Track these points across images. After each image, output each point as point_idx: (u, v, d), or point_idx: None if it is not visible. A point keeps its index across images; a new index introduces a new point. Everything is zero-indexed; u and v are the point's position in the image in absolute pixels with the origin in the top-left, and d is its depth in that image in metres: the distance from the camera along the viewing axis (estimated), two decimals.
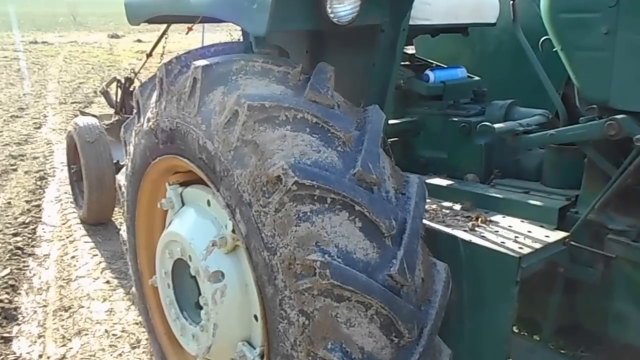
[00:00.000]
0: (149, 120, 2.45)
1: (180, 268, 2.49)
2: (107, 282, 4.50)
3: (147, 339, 3.71)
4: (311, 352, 1.82)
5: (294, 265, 1.81)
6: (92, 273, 4.65)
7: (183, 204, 2.52)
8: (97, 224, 5.61)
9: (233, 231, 2.13)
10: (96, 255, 5.00)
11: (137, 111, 2.63)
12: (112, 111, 6.79)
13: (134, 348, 3.63)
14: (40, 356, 3.56)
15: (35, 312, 4.07)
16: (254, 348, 2.22)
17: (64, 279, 4.54)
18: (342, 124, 1.93)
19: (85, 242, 5.28)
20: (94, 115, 6.77)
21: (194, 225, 2.34)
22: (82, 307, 4.12)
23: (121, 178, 3.00)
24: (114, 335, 3.76)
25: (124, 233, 3.05)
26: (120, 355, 3.55)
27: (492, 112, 2.64)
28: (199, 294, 2.37)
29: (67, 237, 5.40)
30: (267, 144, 1.89)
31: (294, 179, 1.79)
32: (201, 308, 2.39)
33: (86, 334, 3.77)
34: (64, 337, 3.74)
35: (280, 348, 1.92)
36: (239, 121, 1.93)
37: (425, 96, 2.96)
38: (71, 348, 3.61)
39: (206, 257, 2.23)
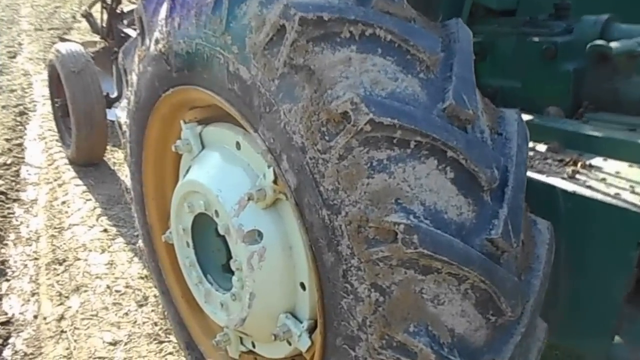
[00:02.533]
0: (157, 42, 2.01)
1: (202, 224, 2.12)
2: (105, 230, 4.14)
3: (155, 296, 3.39)
4: (386, 335, 1.48)
5: (366, 228, 1.45)
6: (86, 220, 4.29)
7: (203, 147, 2.12)
8: (88, 165, 5.20)
9: (275, 182, 1.75)
10: (90, 199, 4.62)
11: (140, 31, 2.18)
12: (96, 38, 6.24)
13: (140, 306, 3.32)
14: (35, 317, 3.25)
15: (25, 265, 3.73)
16: (300, 322, 1.89)
17: (55, 228, 4.18)
18: (425, 43, 1.50)
19: (76, 185, 4.89)
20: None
21: (220, 174, 1.95)
22: (79, 259, 3.77)
23: (121, 114, 2.57)
24: (117, 291, 3.44)
25: (127, 179, 2.66)
26: (126, 314, 3.24)
27: (583, 30, 2.21)
28: (229, 256, 2.01)
29: (55, 180, 4.99)
30: (326, 69, 1.48)
31: (368, 117, 1.39)
32: (231, 272, 2.04)
33: (85, 291, 3.44)
34: (60, 294, 3.41)
35: (342, 328, 1.58)
36: (287, 40, 1.51)
37: (494, 11, 2.52)
38: (69, 307, 3.29)
39: (239, 213, 1.86)
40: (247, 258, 1.84)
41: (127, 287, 3.49)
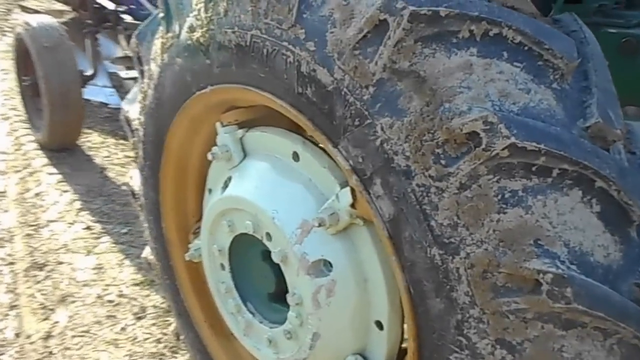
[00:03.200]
0: (192, 30, 1.70)
1: (242, 245, 1.84)
2: (88, 227, 3.80)
3: (154, 307, 3.11)
4: None
5: (494, 274, 1.21)
6: (65, 216, 3.93)
7: (244, 154, 1.83)
8: (61, 150, 4.80)
9: (353, 205, 1.49)
10: (67, 191, 4.25)
11: (164, 14, 1.85)
12: (62, 7, 5.75)
13: (139, 319, 3.03)
14: (17, 335, 2.92)
15: (0, 272, 3.37)
16: None
17: (30, 225, 3.81)
18: (561, 46, 1.25)
19: (50, 173, 4.50)
20: (36, 11, 5.74)
21: (275, 190, 1.67)
22: (61, 263, 3.44)
23: (130, 108, 2.25)
24: (109, 302, 3.14)
25: (134, 183, 2.35)
26: (123, 329, 2.95)
27: None
28: (279, 284, 1.76)
29: (25, 168, 4.59)
30: (440, 77, 1.22)
31: (508, 141, 1.14)
32: (281, 302, 1.79)
33: (73, 302, 3.12)
34: (44, 306, 3.08)
35: None
36: (389, 38, 1.24)
37: None
38: (57, 322, 2.98)
39: (302, 239, 1.59)
40: (313, 293, 1.59)
41: (120, 296, 3.18)
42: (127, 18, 5.10)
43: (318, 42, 1.36)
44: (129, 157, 4.94)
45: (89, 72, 4.91)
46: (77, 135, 4.82)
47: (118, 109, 5.93)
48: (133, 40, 2.09)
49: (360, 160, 1.36)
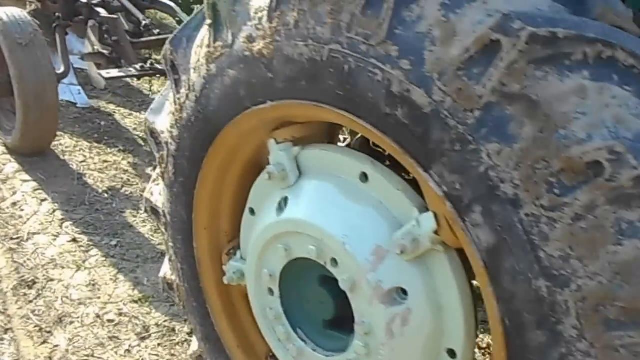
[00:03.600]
0: (251, 41, 1.65)
1: (295, 269, 1.79)
2: (74, 240, 3.67)
3: (157, 325, 3.03)
4: None
5: (607, 307, 1.21)
6: (48, 227, 3.78)
7: (300, 173, 1.78)
8: (32, 155, 4.61)
9: (435, 231, 1.47)
10: (45, 200, 4.09)
11: (212, 20, 1.79)
12: None
13: (143, 339, 2.94)
14: None
15: None
16: None
17: (11, 238, 3.65)
18: None
19: (24, 180, 4.32)
20: None
21: (342, 214, 1.63)
22: (51, 280, 3.31)
23: (155, 119, 2.17)
24: (109, 321, 3.03)
25: (156, 199, 2.27)
26: (128, 351, 2.85)
27: None
28: (337, 311, 1.73)
29: (3, 174, 4.38)
30: (554, 101, 1.21)
31: (635, 172, 1.14)
32: (338, 330, 1.76)
33: (71, 322, 3.01)
34: (40, 328, 2.96)
35: None
36: (502, 60, 1.22)
37: None
38: (56, 346, 2.86)
39: (377, 266, 1.56)
40: (386, 322, 1.56)
41: (120, 314, 3.08)
42: (102, 11, 4.96)
43: (414, 60, 1.33)
44: (107, 161, 4.81)
45: (61, 70, 4.75)
46: (51, 139, 4.65)
47: (87, 109, 5.88)
48: (167, 47, 2.01)
49: (458, 186, 1.34)
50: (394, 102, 1.39)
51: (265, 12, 1.62)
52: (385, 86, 1.39)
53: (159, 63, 4.73)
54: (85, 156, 4.80)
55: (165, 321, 3.04)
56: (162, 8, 5.54)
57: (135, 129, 5.48)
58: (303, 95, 1.59)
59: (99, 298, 3.19)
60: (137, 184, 4.52)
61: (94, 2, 4.95)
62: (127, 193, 4.36)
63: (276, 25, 1.59)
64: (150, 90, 5.92)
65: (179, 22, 5.38)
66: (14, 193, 4.17)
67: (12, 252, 3.52)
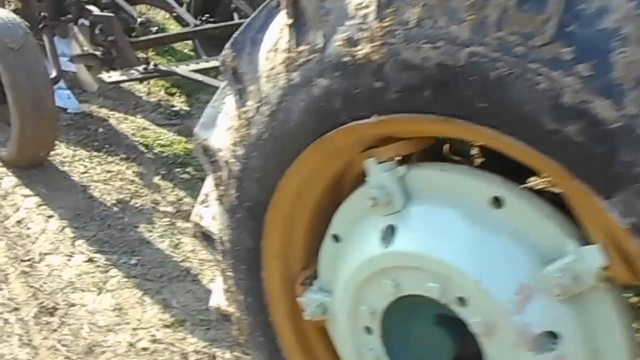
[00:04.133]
0: (353, 43, 1.34)
1: (401, 305, 1.51)
2: (90, 260, 3.32)
3: (196, 352, 2.72)
4: None
5: None
6: (59, 247, 3.42)
7: (407, 198, 1.48)
8: (29, 167, 4.21)
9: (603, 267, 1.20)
10: (52, 216, 3.71)
11: (292, 19, 1.47)
12: None
13: None
14: None
15: (6, 321, 2.85)
16: None
17: (23, 260, 3.28)
18: None
19: (25, 195, 3.93)
20: None
21: (474, 246, 1.35)
22: (73, 305, 2.96)
23: (207, 135, 1.85)
24: (144, 349, 2.71)
25: (209, 223, 1.95)
26: None
27: None
28: (457, 353, 1.45)
29: (2, 190, 3.98)
30: None
31: None
32: None
33: (103, 352, 2.68)
34: None
35: None
36: None
37: None
38: None
39: (522, 308, 1.28)
40: None
41: (154, 341, 2.76)
42: (94, 9, 4.54)
43: (597, 65, 1.05)
44: (110, 171, 4.43)
45: (53, 74, 4.35)
46: (49, 149, 4.24)
47: (79, 114, 5.46)
48: (227, 52, 1.69)
49: None
50: (564, 116, 1.11)
51: (372, 9, 1.31)
52: (551, 97, 1.11)
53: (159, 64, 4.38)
54: (86, 166, 4.41)
55: (204, 347, 2.73)
56: (155, 2, 5.15)
57: (133, 134, 5.08)
58: (426, 108, 1.29)
59: (127, 324, 2.86)
60: (146, 194, 4.16)
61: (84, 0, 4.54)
62: (137, 205, 4.00)
63: (389, 24, 1.29)
64: (149, 93, 5.52)
65: (176, 17, 5.00)
66: (17, 210, 3.78)
67: (25, 276, 3.15)
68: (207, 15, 4.91)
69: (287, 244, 1.78)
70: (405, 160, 1.49)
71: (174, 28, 6.44)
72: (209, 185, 2.00)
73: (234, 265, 1.92)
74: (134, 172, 4.48)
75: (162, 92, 5.65)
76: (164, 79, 5.26)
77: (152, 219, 3.90)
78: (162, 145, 4.93)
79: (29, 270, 3.20)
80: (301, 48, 1.48)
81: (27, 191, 3.99)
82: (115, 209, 3.95)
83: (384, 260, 1.47)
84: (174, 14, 4.80)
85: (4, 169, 4.25)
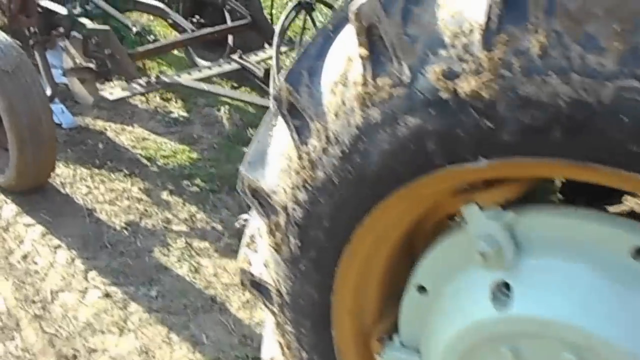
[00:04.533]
0: (451, 76, 1.12)
1: None
2: (106, 295, 3.08)
3: None
4: None
5: None
6: (71, 282, 3.18)
7: (519, 249, 1.27)
8: (31, 192, 3.95)
9: None
10: (59, 247, 3.47)
11: (369, 50, 1.25)
12: None
13: None
14: None
15: None
16: None
17: (33, 302, 3.04)
18: None
19: (28, 225, 3.68)
20: None
21: (619, 308, 1.14)
22: (94, 350, 2.74)
23: (254, 175, 1.62)
24: None
25: (260, 271, 1.73)
26: None
27: None
28: None
29: (3, 220, 3.72)
30: None
31: None
32: None
33: None
34: None
35: None
36: None
37: None
38: None
39: None
40: None
41: None
42: (87, 22, 4.26)
43: None
44: (114, 190, 4.19)
45: (48, 93, 4.09)
46: (50, 172, 4.00)
47: (75, 129, 5.17)
48: (282, 85, 1.46)
49: None
50: None
51: (476, 37, 1.09)
52: None
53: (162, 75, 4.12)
54: (89, 187, 4.16)
55: None
56: (149, 10, 4.88)
57: (134, 146, 4.82)
58: (554, 151, 1.08)
59: None
60: (156, 213, 3.92)
61: (76, 12, 4.25)
62: (148, 227, 3.76)
63: (502, 54, 1.07)
64: (145, 100, 5.25)
65: (172, 24, 4.74)
66: (21, 242, 3.52)
67: (39, 320, 2.91)
68: (197, 16, 4.69)
69: (360, 296, 1.57)
70: (507, 203, 1.29)
71: (160, 31, 6.21)
72: (255, 227, 1.78)
73: (296, 320, 1.70)
74: (139, 189, 4.24)
75: (158, 99, 5.39)
76: None
77: (166, 241, 3.67)
78: (165, 157, 4.69)
79: (42, 313, 2.96)
80: (380, 81, 1.25)
81: (30, 220, 3.75)
82: (126, 232, 3.71)
83: (501, 326, 1.26)
84: (170, 21, 4.54)
85: (2, 197, 3.99)
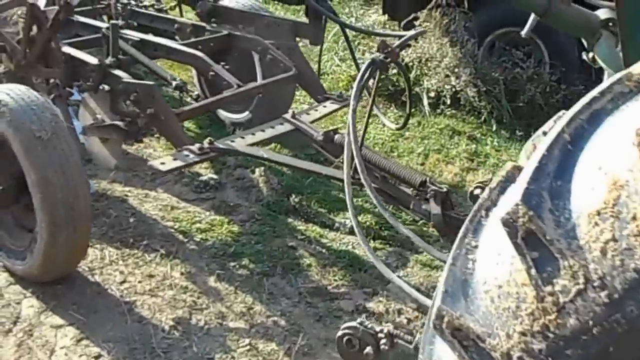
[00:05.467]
0: None
1: None
2: None
3: None
4: None
5: None
6: None
7: None
8: (55, 281, 3.82)
9: None
10: (99, 357, 3.19)
11: None
12: None
13: None
14: None
15: None
16: None
17: None
18: None
19: (56, 326, 3.28)
20: None
21: None
22: None
23: (459, 310, 1.55)
24: None
25: None
26: None
27: None
28: None
29: (15, 323, 3.39)
30: None
31: None
32: None
33: None
34: None
35: None
36: None
37: None
38: None
39: None
40: None
41: None
42: (122, 74, 4.24)
43: None
44: (153, 276, 3.99)
45: None
46: (81, 258, 3.83)
47: (93, 196, 5.02)
48: (520, 208, 1.38)
49: None
50: None
51: None
52: None
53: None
54: (122, 272, 3.92)
55: None
56: (185, 59, 4.80)
57: (163, 217, 4.61)
58: None
59: None
60: (207, 306, 3.64)
61: (107, 62, 4.23)
62: (201, 324, 3.48)
63: None
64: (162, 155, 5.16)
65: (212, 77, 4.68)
66: (52, 352, 3.14)
67: None
68: (222, 63, 4.67)
69: None
70: None
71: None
72: None
73: None
74: (181, 273, 3.97)
75: None
76: None
77: (225, 342, 3.42)
78: (202, 231, 4.49)
79: None
80: None
81: (58, 319, 3.34)
82: (176, 333, 3.47)
83: None
84: (211, 75, 4.50)
85: (19, 288, 3.61)
